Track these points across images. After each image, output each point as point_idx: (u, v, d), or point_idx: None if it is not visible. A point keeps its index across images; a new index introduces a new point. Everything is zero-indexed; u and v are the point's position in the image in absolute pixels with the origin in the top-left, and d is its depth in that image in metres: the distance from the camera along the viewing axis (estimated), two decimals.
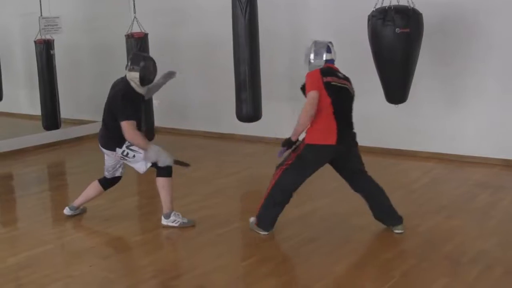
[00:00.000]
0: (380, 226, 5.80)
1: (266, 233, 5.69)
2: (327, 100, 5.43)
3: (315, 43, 5.81)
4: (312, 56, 5.75)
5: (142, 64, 5.83)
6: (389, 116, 8.44)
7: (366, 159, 8.36)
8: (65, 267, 5.19)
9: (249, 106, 8.34)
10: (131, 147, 5.87)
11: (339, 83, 5.56)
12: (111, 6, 11.33)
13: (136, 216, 6.61)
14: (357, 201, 6.47)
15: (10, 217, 6.91)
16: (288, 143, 5.59)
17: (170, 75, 6.50)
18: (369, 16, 7.22)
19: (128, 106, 5.78)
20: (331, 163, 5.71)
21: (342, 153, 5.57)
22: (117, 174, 6.30)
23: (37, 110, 10.92)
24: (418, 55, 7.26)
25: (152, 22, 10.29)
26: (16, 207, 7.34)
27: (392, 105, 7.61)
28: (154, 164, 5.92)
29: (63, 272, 5.05)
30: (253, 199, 6.24)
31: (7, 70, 11.87)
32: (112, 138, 5.93)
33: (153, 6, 10.83)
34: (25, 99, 12.38)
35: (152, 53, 9.70)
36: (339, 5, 8.93)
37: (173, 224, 5.99)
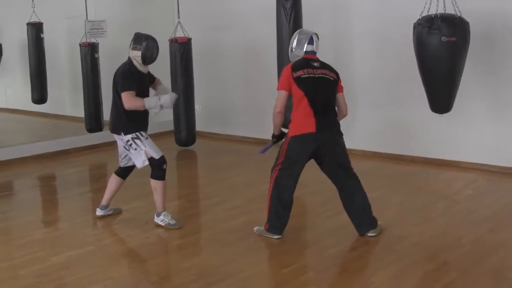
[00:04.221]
0: (421, 237, 5.75)
1: (279, 236, 5.76)
2: (300, 93, 5.59)
3: (300, 32, 5.98)
4: (294, 44, 5.88)
5: (144, 43, 6.02)
6: (432, 125, 8.35)
7: (408, 168, 8.39)
8: (106, 269, 5.21)
9: None
10: (136, 140, 6.05)
11: (313, 73, 5.66)
12: (155, 10, 11.42)
13: (177, 219, 6.62)
14: (398, 211, 6.44)
15: (52, 218, 6.99)
16: (274, 137, 6.00)
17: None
18: (414, 24, 7.15)
19: (126, 79, 5.96)
20: (317, 158, 5.75)
21: (325, 141, 5.64)
22: (130, 164, 6.39)
23: (80, 112, 11.03)
24: (464, 64, 7.17)
25: (195, 27, 10.34)
26: (58, 208, 7.42)
27: (436, 114, 7.52)
28: (150, 163, 6.09)
29: (104, 274, 5.08)
30: (294, 206, 6.18)
31: (52, 72, 12.01)
32: (118, 120, 6.12)
33: (197, 11, 10.89)
34: (69, 101, 12.50)
35: (195, 57, 9.78)
36: (384, 12, 8.86)
37: (161, 223, 6.20)
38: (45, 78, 11.89)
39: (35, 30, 11.49)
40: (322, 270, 5.12)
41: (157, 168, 6.11)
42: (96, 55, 10.57)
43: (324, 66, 5.79)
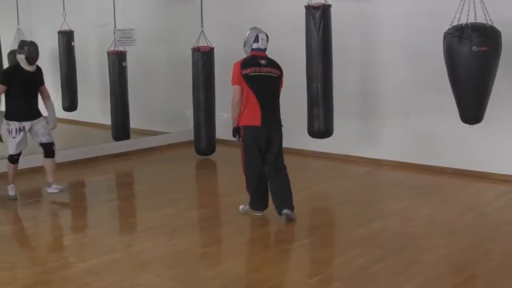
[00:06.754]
0: (449, 249, 5.68)
1: (261, 213, 6.56)
2: (248, 89, 6.36)
3: (250, 30, 6.63)
4: (244, 42, 6.60)
5: (26, 48, 7.42)
6: (462, 136, 8.25)
7: (437, 179, 8.30)
8: (132, 276, 5.22)
9: (321, 122, 8.30)
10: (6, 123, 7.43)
11: (261, 71, 6.43)
12: (183, 19, 11.44)
13: (203, 228, 6.63)
14: (426, 223, 6.38)
15: (81, 224, 7.03)
16: (233, 131, 6.57)
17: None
18: (445, 33, 7.09)
19: (3, 76, 7.48)
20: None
21: (268, 134, 6.47)
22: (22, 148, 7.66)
23: (109, 120, 11.09)
24: (496, 74, 7.08)
25: (221, 36, 10.34)
26: (87, 214, 7.46)
27: (466, 125, 7.43)
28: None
29: (131, 281, 5.09)
30: (322, 216, 6.17)
31: (83, 80, 12.12)
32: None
33: (224, 20, 10.88)
34: (98, 109, 12.59)
35: (218, 67, 9.76)
36: (413, 22, 8.78)
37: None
38: (75, 86, 12.01)
39: (66, 38, 11.61)
40: (348, 281, 5.08)
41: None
42: (124, 64, 10.59)
43: (270, 63, 6.54)
